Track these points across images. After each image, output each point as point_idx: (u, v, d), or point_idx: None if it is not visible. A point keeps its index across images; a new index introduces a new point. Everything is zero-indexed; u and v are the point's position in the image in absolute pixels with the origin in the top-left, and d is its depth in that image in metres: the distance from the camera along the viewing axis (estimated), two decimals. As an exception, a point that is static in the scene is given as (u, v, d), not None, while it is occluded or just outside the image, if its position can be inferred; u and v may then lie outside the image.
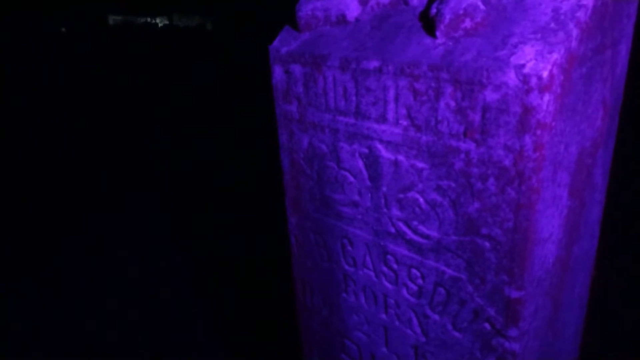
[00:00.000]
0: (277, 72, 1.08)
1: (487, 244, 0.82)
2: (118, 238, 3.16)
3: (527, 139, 0.70)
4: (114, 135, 5.10)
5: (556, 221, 0.82)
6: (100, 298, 2.58)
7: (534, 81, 0.67)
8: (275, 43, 1.07)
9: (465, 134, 0.78)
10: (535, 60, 0.68)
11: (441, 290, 0.94)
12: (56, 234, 3.23)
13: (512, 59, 0.70)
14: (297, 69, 1.03)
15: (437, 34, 0.80)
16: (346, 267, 1.14)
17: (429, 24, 0.82)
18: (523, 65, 0.68)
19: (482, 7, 0.75)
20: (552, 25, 0.70)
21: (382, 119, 0.90)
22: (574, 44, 0.71)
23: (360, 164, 0.99)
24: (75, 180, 4.08)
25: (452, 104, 0.78)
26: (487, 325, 0.88)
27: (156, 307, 2.51)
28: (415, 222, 0.93)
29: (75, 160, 4.55)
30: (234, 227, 3.19)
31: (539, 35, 0.70)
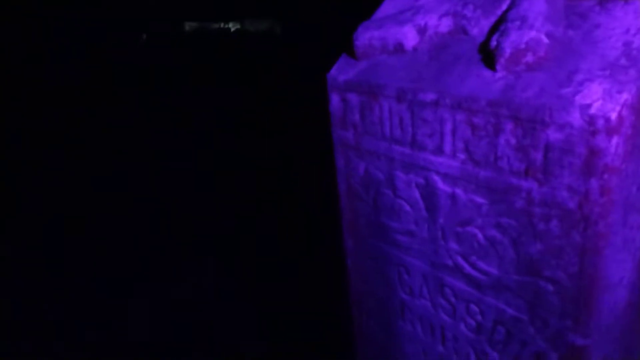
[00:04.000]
0: (334, 99, 1.08)
1: (550, 287, 0.78)
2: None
3: (594, 183, 0.66)
4: (186, 139, 5.32)
5: (628, 265, 0.76)
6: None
7: (600, 123, 0.63)
8: (333, 71, 1.07)
9: (526, 173, 0.74)
10: (603, 100, 0.63)
11: (501, 329, 0.90)
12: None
13: (578, 97, 0.66)
14: (353, 97, 1.03)
15: (497, 67, 0.77)
16: (403, 295, 1.12)
17: (488, 56, 0.79)
18: (589, 106, 0.64)
19: (545, 40, 0.71)
20: (623, 61, 0.65)
21: (439, 151, 0.88)
22: (648, 78, 0.65)
23: (417, 194, 0.97)
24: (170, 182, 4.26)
25: (513, 141, 0.74)
26: (550, 370, 0.83)
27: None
28: (473, 257, 0.90)
29: (162, 162, 4.78)
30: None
31: (607, 72, 0.65)
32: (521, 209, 0.77)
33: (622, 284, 0.76)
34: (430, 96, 0.85)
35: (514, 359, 0.89)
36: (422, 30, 0.93)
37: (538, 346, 0.83)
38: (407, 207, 1.01)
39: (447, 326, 1.03)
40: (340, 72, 1.05)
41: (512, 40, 0.74)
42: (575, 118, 0.65)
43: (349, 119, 1.07)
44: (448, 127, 0.84)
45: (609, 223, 0.68)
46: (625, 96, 0.63)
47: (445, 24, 0.90)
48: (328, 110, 1.15)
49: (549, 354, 0.82)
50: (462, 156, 0.84)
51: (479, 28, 0.86)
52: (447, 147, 0.86)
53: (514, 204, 0.78)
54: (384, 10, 1.09)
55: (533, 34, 0.71)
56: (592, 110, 0.64)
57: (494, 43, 0.77)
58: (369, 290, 1.23)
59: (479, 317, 0.94)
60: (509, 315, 0.87)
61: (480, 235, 0.87)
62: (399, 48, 0.96)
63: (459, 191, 0.87)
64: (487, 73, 0.79)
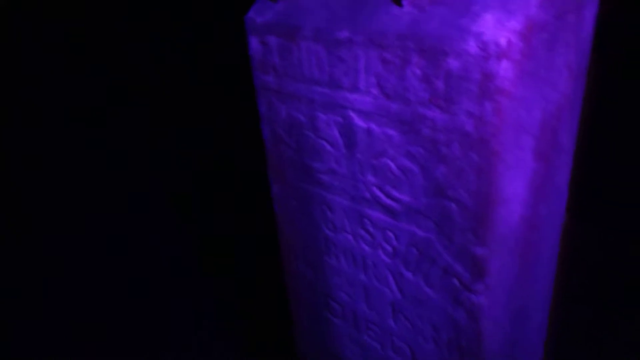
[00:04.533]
0: (253, 42, 1.10)
1: (453, 205, 0.86)
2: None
3: (487, 105, 0.74)
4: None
5: (520, 183, 0.86)
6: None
7: (492, 48, 0.70)
8: (251, 13, 1.08)
9: (430, 101, 0.81)
10: (495, 28, 0.70)
11: (413, 250, 0.99)
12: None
13: (473, 27, 0.72)
14: (272, 39, 1.05)
15: (404, 2, 0.82)
16: (327, 231, 1.18)
17: (395, -7, 0.84)
18: (482, 33, 0.71)
19: (444, -24, 0.76)
20: (511, -7, 0.72)
21: (354, 88, 0.93)
22: (533, 10, 0.73)
23: (336, 132, 1.02)
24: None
25: (418, 72, 0.80)
26: (455, 281, 0.93)
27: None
28: (388, 187, 0.97)
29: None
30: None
31: (500, 3, 0.72)
32: (427, 136, 0.84)
33: (515, 200, 0.86)
34: (344, 34, 0.90)
35: (425, 275, 0.99)
36: (335, -29, 0.96)
37: (445, 261, 0.93)
38: (328, 147, 1.06)
39: (367, 255, 1.11)
40: (258, 14, 1.07)
41: (416, -24, 0.79)
42: (471, 46, 0.72)
43: (268, 62, 1.09)
44: (361, 63, 0.89)
45: (501, 142, 0.77)
46: (514, 24, 0.70)
47: (357, -35, 0.94)
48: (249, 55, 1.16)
49: (454, 266, 0.92)
50: (374, 91, 0.89)
51: (388, -32, 0.91)
52: (361, 84, 0.91)
53: (421, 132, 0.85)
54: (299, -46, 1.11)
55: (434, -31, 0.77)
56: (485, 37, 0.70)
57: (400, -20, 0.82)
58: (296, 231, 1.29)
59: (395, 242, 1.02)
60: (420, 237, 0.96)
61: (393, 166, 0.93)
62: (314, -11, 0.99)
63: (373, 125, 0.93)
64: (395, 9, 0.84)
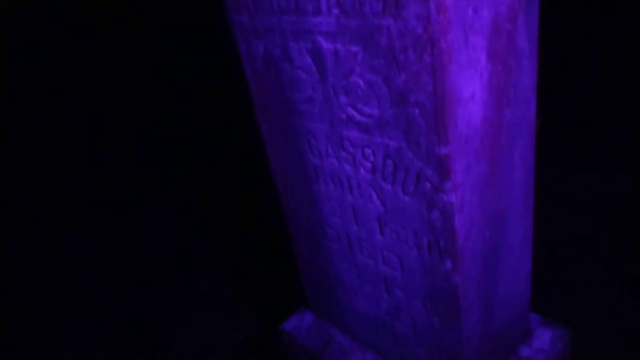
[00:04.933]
0: (226, -16, 1.16)
1: (416, 110, 0.92)
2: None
3: (432, 5, 0.79)
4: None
5: (477, 83, 0.91)
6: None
7: (426, -52, 0.75)
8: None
9: (384, 11, 0.86)
10: None
11: (389, 162, 1.05)
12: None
13: None
14: (241, -23, 1.10)
15: None
16: (314, 159, 1.26)
17: None
18: None
19: None
20: None
21: (318, 11, 0.98)
22: None
23: (309, 59, 1.08)
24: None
25: (369, -16, 0.86)
26: (427, 184, 1.00)
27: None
28: (359, 104, 1.03)
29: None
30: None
31: None
32: (385, 46, 0.90)
33: (474, 100, 0.92)
34: (301, -41, 0.95)
35: (402, 184, 1.06)
36: None
37: (417, 167, 1.00)
38: (304, 75, 1.12)
39: (350, 175, 1.18)
40: (225, -46, 1.12)
41: None
42: (409, -51, 0.77)
43: (241, 2, 1.15)
44: (320, -15, 0.94)
45: (449, 40, 0.82)
46: None
47: None
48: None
49: (425, 170, 0.98)
50: (335, 11, 0.95)
51: None
52: (323, 6, 0.97)
53: (380, 43, 0.90)
54: None
55: None
56: (420, -61, 0.75)
57: None
58: (287, 167, 1.37)
59: (372, 158, 1.09)
60: (392, 148, 1.02)
61: (360, 82, 1.00)
62: None
63: (339, 46, 0.99)
64: None
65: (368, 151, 1.09)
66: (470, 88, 0.90)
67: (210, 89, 4.10)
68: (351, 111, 1.06)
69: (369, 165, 1.11)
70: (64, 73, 5.15)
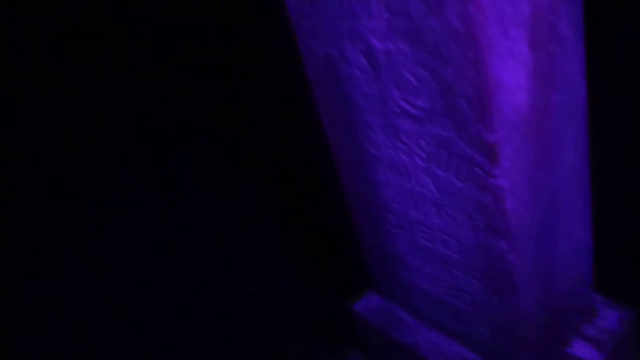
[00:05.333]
0: (287, -5, 1.28)
1: (463, 101, 1.00)
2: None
3: (470, 5, 0.86)
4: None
5: (520, 72, 0.97)
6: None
7: (463, -45, 0.82)
8: (280, -30, 1.26)
9: (429, 12, 0.95)
10: (463, -63, 0.82)
11: (442, 151, 1.13)
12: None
13: (448, -60, 0.85)
14: (300, -11, 1.22)
15: None
16: (372, 151, 1.36)
17: None
18: (454, -56, 0.83)
19: None
20: None
21: (370, 16, 1.08)
22: None
23: (363, 59, 1.18)
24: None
25: (414, -11, 0.94)
26: (479, 170, 1.07)
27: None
28: (411, 98, 1.12)
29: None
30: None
31: None
32: (432, 43, 0.98)
33: (518, 88, 0.98)
34: (352, -30, 1.05)
35: (456, 171, 1.13)
36: None
37: (468, 154, 1.07)
38: (359, 73, 1.22)
39: (407, 164, 1.27)
40: (285, -31, 1.24)
41: None
42: (448, -44, 0.85)
43: (303, 10, 1.27)
44: (370, -8, 1.04)
45: (489, 36, 0.89)
46: None
47: None
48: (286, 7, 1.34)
49: (475, 158, 1.05)
50: (385, 15, 1.04)
51: None
52: (375, 11, 1.06)
53: (426, 41, 0.99)
54: None
55: None
56: (457, -53, 0.83)
57: None
58: (348, 156, 1.48)
59: (427, 147, 1.17)
60: (445, 137, 1.10)
61: (411, 77, 1.08)
62: (327, -63, 1.14)
63: (390, 45, 1.08)
64: (390, -61, 0.98)
65: (422, 142, 1.17)
66: (513, 77, 0.96)
67: (275, 85, 4.30)
68: (404, 104, 1.15)
69: (423, 154, 1.19)
70: (144, 71, 5.56)
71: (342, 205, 1.73)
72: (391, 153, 1.30)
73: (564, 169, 1.17)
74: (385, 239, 1.57)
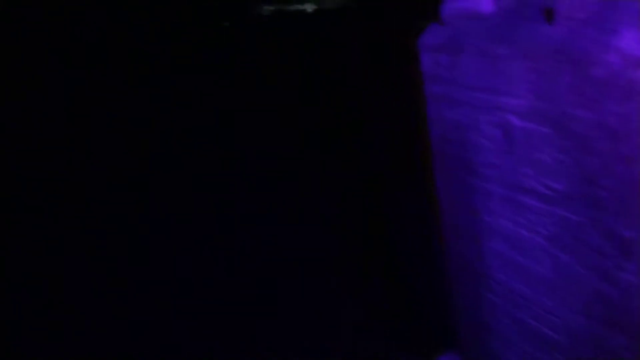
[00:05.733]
0: (425, 60, 1.34)
1: (604, 193, 1.00)
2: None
3: (630, 105, 0.87)
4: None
5: (669, 172, 0.96)
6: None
7: (633, 60, 0.84)
8: (424, 36, 1.33)
9: (580, 104, 0.96)
10: (632, 41, 0.84)
11: (568, 234, 1.13)
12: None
13: (616, 42, 0.87)
14: (442, 57, 1.28)
15: (555, 22, 0.99)
16: (486, 217, 1.37)
17: (548, 14, 1.01)
18: (624, 47, 0.85)
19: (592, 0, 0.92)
20: (653, 10, 0.85)
21: (511, 93, 1.11)
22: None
23: (497, 131, 1.21)
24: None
25: (568, 79, 0.97)
26: (606, 261, 1.05)
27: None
28: (544, 178, 1.13)
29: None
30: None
31: (629, 17, 0.86)
32: (578, 132, 0.99)
33: (665, 188, 0.97)
34: (503, 50, 1.09)
35: (578, 256, 1.12)
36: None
37: (597, 242, 1.06)
38: (488, 144, 1.25)
39: (524, 239, 1.26)
40: (430, 37, 1.31)
41: (566, 1, 0.95)
42: (615, 57, 0.87)
43: (439, 75, 1.32)
44: (517, 73, 1.07)
45: (646, 136, 0.89)
46: (653, 37, 0.83)
47: (516, -8, 1.12)
48: (418, 71, 1.40)
49: (605, 248, 1.04)
50: (529, 96, 1.07)
51: (543, -8, 1.08)
52: (517, 90, 1.09)
53: (572, 129, 1.00)
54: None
55: (583, -6, 0.93)
56: (627, 51, 0.85)
57: (552, 3, 0.99)
58: (459, 218, 1.49)
59: (551, 228, 1.17)
60: (574, 222, 1.10)
61: (548, 159, 1.09)
62: (477, 15, 1.19)
63: (528, 124, 1.11)
64: (546, 28, 1.01)
65: (547, 221, 1.17)
66: (662, 177, 0.95)
67: (394, 141, 4.30)
68: (534, 183, 1.16)
69: (545, 232, 1.19)
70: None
71: (437, 263, 1.74)
72: (508, 225, 1.30)
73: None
74: (482, 305, 1.55)
